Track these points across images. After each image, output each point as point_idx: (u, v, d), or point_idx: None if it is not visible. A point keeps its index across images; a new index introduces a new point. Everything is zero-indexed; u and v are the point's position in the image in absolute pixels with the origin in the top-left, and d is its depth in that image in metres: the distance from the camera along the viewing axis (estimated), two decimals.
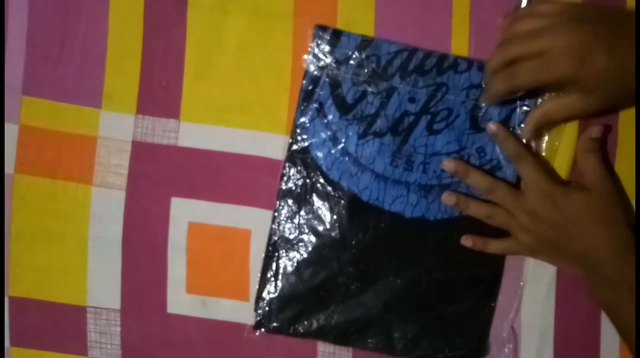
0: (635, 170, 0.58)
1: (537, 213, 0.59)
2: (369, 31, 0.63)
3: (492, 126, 0.61)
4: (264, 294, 0.64)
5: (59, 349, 0.66)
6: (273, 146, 0.64)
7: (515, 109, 0.62)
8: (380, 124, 0.63)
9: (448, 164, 0.61)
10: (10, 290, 0.66)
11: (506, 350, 0.63)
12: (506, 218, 0.60)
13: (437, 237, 0.63)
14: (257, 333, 0.64)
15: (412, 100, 0.62)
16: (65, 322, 0.65)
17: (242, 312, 0.64)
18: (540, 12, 0.57)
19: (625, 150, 0.62)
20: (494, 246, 0.62)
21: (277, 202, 0.64)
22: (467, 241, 0.62)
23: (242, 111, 0.64)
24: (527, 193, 0.59)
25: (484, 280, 0.63)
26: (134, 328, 0.65)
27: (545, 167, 0.60)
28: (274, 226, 0.64)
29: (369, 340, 0.63)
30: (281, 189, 0.64)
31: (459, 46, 0.63)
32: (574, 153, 0.61)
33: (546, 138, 0.62)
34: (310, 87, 0.63)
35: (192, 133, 0.64)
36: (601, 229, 0.58)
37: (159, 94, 0.64)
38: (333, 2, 0.63)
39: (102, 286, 0.65)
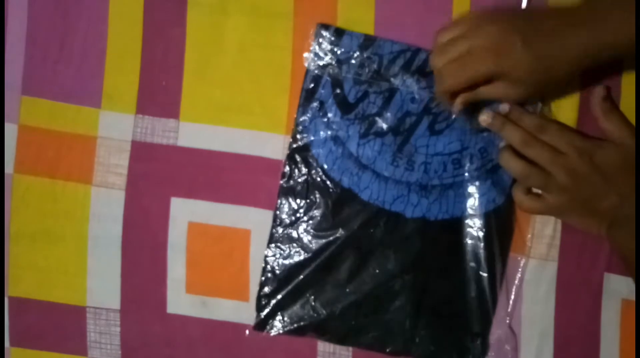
0: (635, 168, 0.58)
1: (575, 170, 0.58)
2: (369, 31, 0.63)
3: (484, 117, 0.61)
4: (265, 293, 0.64)
5: (59, 349, 0.66)
6: (273, 146, 0.64)
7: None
8: (381, 124, 0.63)
9: (485, 118, 0.61)
10: (10, 290, 0.66)
11: (505, 350, 0.63)
12: (542, 175, 0.59)
13: (437, 237, 0.63)
14: (260, 333, 0.64)
15: (413, 100, 0.62)
16: (65, 322, 0.65)
17: (242, 312, 0.64)
18: (459, 21, 0.59)
19: None
20: (526, 203, 0.61)
21: (278, 200, 0.64)
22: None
23: (242, 111, 0.64)
24: (566, 151, 0.59)
25: (484, 280, 0.63)
26: (134, 328, 0.65)
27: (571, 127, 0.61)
28: (274, 223, 0.64)
29: (369, 339, 0.63)
30: (282, 187, 0.64)
31: None
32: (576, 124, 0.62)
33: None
34: (311, 86, 0.63)
35: (192, 133, 0.64)
36: (633, 181, 0.58)
37: (159, 94, 0.64)
38: (333, 2, 0.63)
39: (102, 286, 0.65)
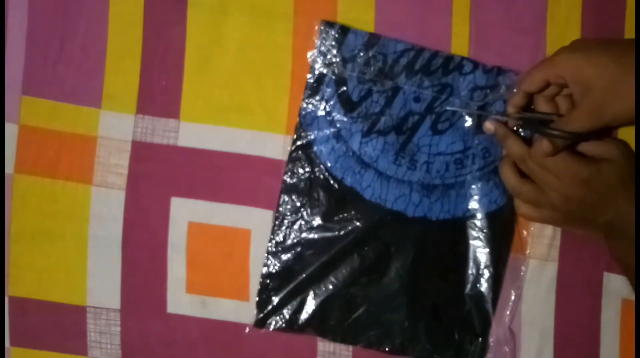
0: (635, 169, 0.58)
1: (569, 195, 0.58)
2: (369, 31, 0.63)
3: (488, 125, 0.61)
4: (266, 289, 0.64)
5: (59, 349, 0.66)
6: (273, 146, 0.64)
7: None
8: (384, 122, 0.63)
9: (489, 126, 0.61)
10: (10, 290, 0.65)
11: (504, 351, 0.63)
12: (536, 193, 0.59)
13: (438, 237, 0.63)
14: (260, 331, 0.64)
15: (417, 100, 0.62)
16: (65, 322, 0.65)
17: (242, 312, 0.64)
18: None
19: None
20: (522, 209, 0.61)
21: (281, 197, 0.63)
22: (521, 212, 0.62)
23: (242, 110, 0.64)
24: (560, 176, 0.57)
25: (484, 281, 0.63)
26: (134, 328, 0.65)
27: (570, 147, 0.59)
28: (276, 220, 0.64)
29: (368, 338, 0.63)
30: (285, 183, 0.63)
31: (459, 45, 0.63)
32: None
33: None
34: (315, 84, 0.63)
35: (192, 133, 0.64)
36: (628, 195, 0.57)
37: (159, 94, 0.64)
38: (333, 1, 0.63)
39: (102, 286, 0.65)
